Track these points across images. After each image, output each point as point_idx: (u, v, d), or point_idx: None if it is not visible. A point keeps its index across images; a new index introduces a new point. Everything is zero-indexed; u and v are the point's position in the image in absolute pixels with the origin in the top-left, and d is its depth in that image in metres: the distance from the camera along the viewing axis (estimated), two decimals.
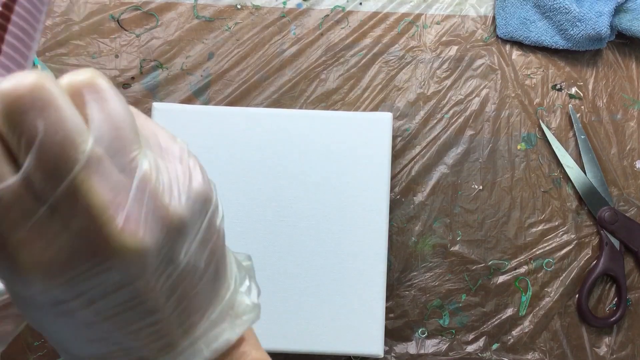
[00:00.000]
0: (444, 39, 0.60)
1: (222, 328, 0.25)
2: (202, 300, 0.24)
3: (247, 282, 0.27)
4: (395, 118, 0.59)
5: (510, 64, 0.60)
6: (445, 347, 0.58)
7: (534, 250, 0.59)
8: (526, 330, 0.58)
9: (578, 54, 0.61)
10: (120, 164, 0.19)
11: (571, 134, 0.60)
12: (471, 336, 0.58)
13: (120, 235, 0.19)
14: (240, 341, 0.27)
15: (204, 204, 0.22)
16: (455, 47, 0.60)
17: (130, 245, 0.19)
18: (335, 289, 0.54)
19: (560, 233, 0.59)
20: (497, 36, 0.60)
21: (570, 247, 0.59)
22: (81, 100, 0.20)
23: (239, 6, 0.60)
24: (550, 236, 0.59)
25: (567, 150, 0.59)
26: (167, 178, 0.21)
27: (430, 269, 0.59)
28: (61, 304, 0.20)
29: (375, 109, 0.59)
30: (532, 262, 0.59)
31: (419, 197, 0.59)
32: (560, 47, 0.59)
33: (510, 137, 0.60)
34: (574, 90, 0.60)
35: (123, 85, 0.59)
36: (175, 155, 0.22)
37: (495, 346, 0.58)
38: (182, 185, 0.21)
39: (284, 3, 0.60)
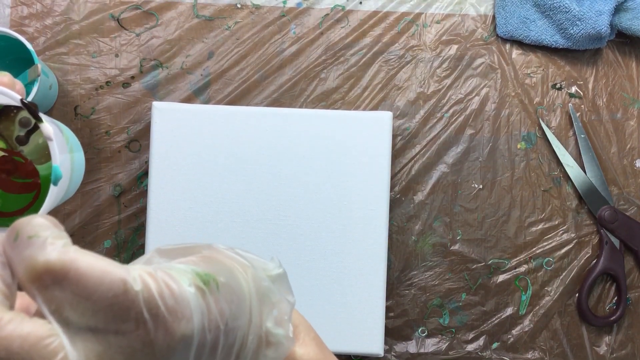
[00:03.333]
0: (444, 38, 0.60)
1: None
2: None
3: (274, 312, 0.25)
4: (395, 117, 0.59)
5: (510, 63, 0.60)
6: (445, 346, 0.58)
7: (534, 249, 0.59)
8: (526, 329, 0.58)
9: (578, 53, 0.61)
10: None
11: (571, 133, 0.60)
12: (471, 335, 0.58)
13: None
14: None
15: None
16: (455, 46, 0.60)
17: None
18: (335, 288, 0.54)
19: (560, 232, 0.59)
20: (497, 35, 0.60)
21: (570, 246, 0.59)
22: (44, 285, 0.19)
23: (239, 5, 0.60)
24: (550, 235, 0.59)
25: (567, 149, 0.59)
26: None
27: (430, 268, 0.59)
28: None
29: (375, 108, 0.59)
30: (532, 261, 0.59)
31: (419, 196, 0.59)
32: (560, 46, 0.59)
33: (510, 136, 0.60)
34: (573, 89, 0.60)
35: (123, 85, 0.59)
36: None
37: (495, 345, 0.58)
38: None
39: (284, 2, 0.60)
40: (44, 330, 0.18)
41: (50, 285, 0.19)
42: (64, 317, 0.19)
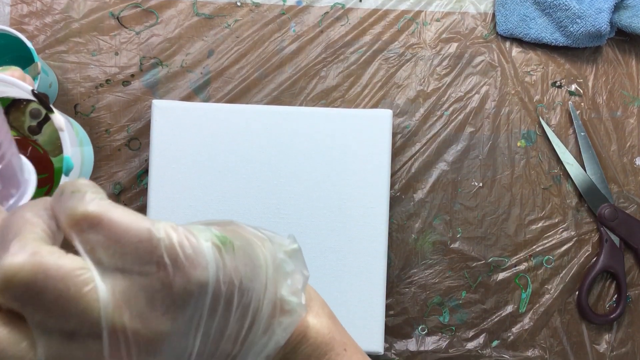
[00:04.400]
0: (443, 36, 0.60)
1: (269, 335, 0.26)
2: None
3: (288, 282, 0.27)
4: (395, 115, 0.59)
5: (510, 61, 0.60)
6: (445, 344, 0.58)
7: (534, 247, 0.59)
8: (526, 327, 0.58)
9: (578, 51, 0.61)
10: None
11: (571, 131, 0.60)
12: (471, 333, 0.58)
13: None
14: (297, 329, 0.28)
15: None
16: (455, 44, 0.60)
17: None
18: (336, 286, 0.54)
19: (560, 230, 0.59)
20: (497, 33, 0.60)
21: (570, 244, 0.59)
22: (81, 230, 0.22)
23: (238, 3, 0.60)
24: (550, 233, 0.59)
25: (567, 147, 0.59)
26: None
27: (430, 266, 0.59)
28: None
29: (375, 106, 0.59)
30: (532, 259, 0.59)
31: (419, 194, 0.59)
32: (560, 44, 0.59)
33: (510, 134, 0.60)
34: (573, 87, 0.60)
35: (123, 83, 0.59)
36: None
37: (495, 343, 0.58)
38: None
39: (284, 0, 0.60)
40: (79, 263, 0.21)
41: (86, 229, 0.22)
42: (97, 257, 0.22)
